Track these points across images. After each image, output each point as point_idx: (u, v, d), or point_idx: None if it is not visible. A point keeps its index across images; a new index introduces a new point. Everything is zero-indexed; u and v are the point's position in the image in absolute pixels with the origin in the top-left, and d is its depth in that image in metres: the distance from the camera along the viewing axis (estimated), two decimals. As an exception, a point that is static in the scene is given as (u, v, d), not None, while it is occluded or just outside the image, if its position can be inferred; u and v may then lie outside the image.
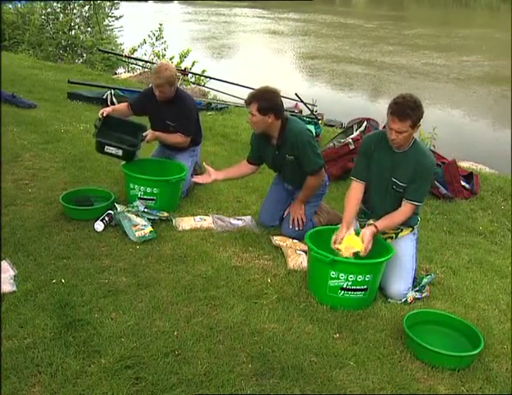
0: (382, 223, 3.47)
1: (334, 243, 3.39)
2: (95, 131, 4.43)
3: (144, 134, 4.52)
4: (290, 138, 3.91)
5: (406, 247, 3.60)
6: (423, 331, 3.03)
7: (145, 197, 4.30)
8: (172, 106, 4.59)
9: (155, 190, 4.31)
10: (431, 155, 3.52)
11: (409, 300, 3.43)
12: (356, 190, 3.61)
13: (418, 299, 3.46)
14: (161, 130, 4.68)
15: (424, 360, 2.83)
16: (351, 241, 3.34)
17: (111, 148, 4.41)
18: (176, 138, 4.69)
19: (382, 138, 3.51)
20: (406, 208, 3.49)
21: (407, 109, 3.25)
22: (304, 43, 23.24)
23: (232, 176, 4.44)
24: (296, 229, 4.06)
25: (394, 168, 3.48)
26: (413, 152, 3.43)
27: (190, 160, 4.83)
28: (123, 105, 4.83)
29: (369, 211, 3.72)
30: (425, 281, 3.59)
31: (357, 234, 3.40)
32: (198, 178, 4.26)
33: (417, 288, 3.52)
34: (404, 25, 29.56)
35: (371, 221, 3.54)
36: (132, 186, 4.33)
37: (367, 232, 3.36)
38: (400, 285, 3.46)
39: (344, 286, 3.21)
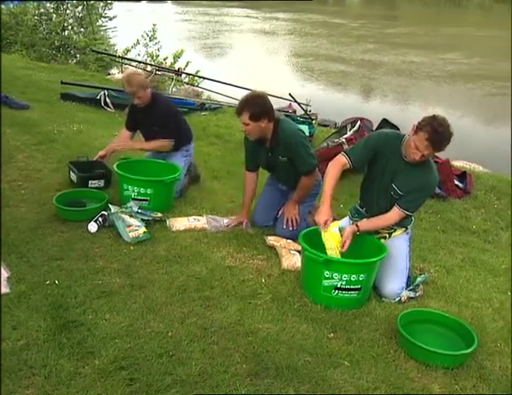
0: (365, 224, 3.50)
1: (322, 225, 3.35)
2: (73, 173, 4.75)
3: (101, 154, 4.73)
4: (283, 139, 3.91)
5: (399, 246, 3.60)
6: (417, 330, 3.03)
7: (138, 197, 4.29)
8: (152, 110, 4.64)
9: (149, 191, 4.30)
10: (436, 172, 3.49)
11: (403, 300, 3.43)
12: (340, 166, 3.50)
13: (412, 298, 3.47)
14: (151, 138, 4.75)
15: (418, 358, 2.84)
16: (334, 240, 3.36)
17: (72, 174, 4.73)
18: (156, 143, 4.73)
19: (396, 144, 3.45)
20: (394, 214, 3.48)
21: (444, 141, 3.21)
22: (290, 42, 23.46)
23: (251, 197, 4.29)
24: (290, 229, 4.06)
25: (397, 174, 3.46)
26: (422, 167, 3.39)
27: (183, 160, 4.82)
28: (123, 133, 4.96)
29: (363, 211, 3.72)
30: (418, 280, 3.59)
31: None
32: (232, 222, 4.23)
33: (411, 287, 3.52)
34: (387, 23, 29.88)
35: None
36: (125, 187, 4.32)
37: (348, 230, 3.40)
38: (394, 284, 3.47)
39: (338, 286, 3.21)
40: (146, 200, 4.31)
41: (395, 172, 3.46)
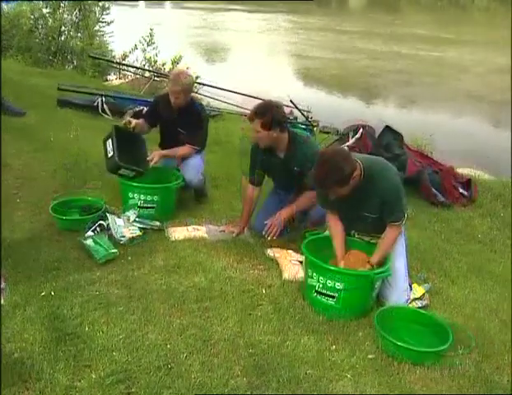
0: (376, 258, 3.35)
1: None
2: (111, 145, 4.29)
3: (148, 159, 4.39)
4: (301, 151, 3.88)
5: (397, 252, 3.50)
6: (395, 327, 3.05)
7: (145, 205, 4.24)
8: (185, 114, 4.52)
9: (156, 197, 4.27)
10: (392, 172, 3.34)
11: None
12: (335, 221, 3.51)
13: (420, 307, 3.40)
14: (171, 137, 4.64)
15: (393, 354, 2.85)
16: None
17: (125, 170, 4.28)
18: (183, 150, 4.59)
19: None
20: (392, 231, 3.36)
21: (321, 182, 3.21)
22: (288, 45, 23.83)
23: (250, 214, 4.21)
24: (267, 236, 3.96)
25: (359, 205, 3.36)
26: (370, 182, 3.26)
27: (202, 161, 4.76)
28: (141, 122, 4.62)
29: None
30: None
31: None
32: (227, 228, 4.21)
33: (417, 296, 3.46)
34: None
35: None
36: (130, 195, 4.24)
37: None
38: (398, 295, 3.40)
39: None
40: (153, 207, 4.27)
41: (355, 204, 3.36)
